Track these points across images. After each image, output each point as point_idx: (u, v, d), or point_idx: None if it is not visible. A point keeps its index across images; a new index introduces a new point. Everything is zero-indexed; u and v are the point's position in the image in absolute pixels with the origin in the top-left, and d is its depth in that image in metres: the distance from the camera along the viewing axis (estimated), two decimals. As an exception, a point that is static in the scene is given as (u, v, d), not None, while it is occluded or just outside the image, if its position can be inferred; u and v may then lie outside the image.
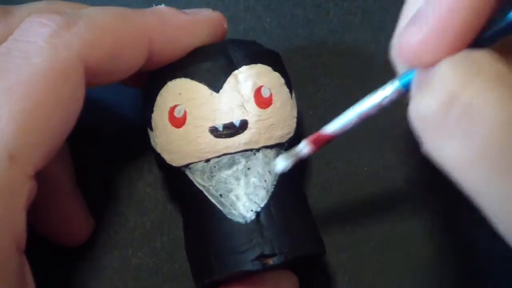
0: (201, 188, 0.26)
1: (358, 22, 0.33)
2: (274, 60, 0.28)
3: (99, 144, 0.32)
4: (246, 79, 0.26)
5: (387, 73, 0.32)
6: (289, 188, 0.27)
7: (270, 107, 0.26)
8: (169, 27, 0.26)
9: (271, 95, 0.27)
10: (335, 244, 0.30)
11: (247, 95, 0.26)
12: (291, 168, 0.26)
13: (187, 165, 0.26)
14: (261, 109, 0.26)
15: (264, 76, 0.27)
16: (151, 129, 0.27)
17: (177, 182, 0.27)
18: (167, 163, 0.27)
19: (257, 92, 0.26)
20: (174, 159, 0.27)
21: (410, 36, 0.19)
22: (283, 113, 0.27)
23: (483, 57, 0.18)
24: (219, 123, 0.26)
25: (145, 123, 0.28)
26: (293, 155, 0.25)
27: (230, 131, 0.26)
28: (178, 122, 0.26)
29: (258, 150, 0.26)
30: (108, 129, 0.32)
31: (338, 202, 0.31)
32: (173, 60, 0.27)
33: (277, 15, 0.33)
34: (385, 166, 0.31)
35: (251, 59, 0.27)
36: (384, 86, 0.22)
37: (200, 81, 0.26)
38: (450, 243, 0.30)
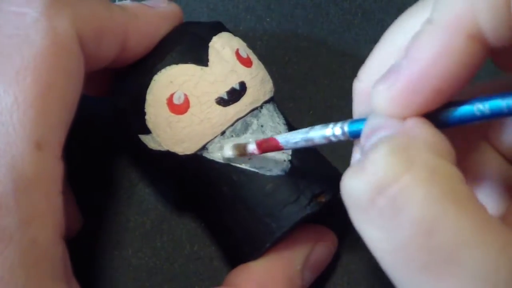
0: (225, 161, 0.26)
1: (358, 22, 0.33)
2: (225, 28, 0.28)
3: (99, 144, 0.32)
4: (223, 46, 0.27)
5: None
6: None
7: (253, 65, 0.27)
8: (142, 23, 0.26)
9: (247, 54, 0.28)
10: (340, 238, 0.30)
11: (231, 59, 0.27)
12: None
13: (203, 147, 0.26)
14: (248, 68, 0.27)
15: (232, 41, 0.28)
16: (147, 132, 0.27)
17: (194, 170, 0.27)
18: (179, 156, 0.27)
19: (237, 55, 0.27)
20: (188, 147, 0.26)
21: (382, 89, 0.19)
22: (262, 69, 0.28)
23: (422, 147, 0.18)
24: (223, 92, 0.26)
25: (131, 137, 0.27)
26: (241, 148, 0.26)
27: (234, 96, 0.26)
28: (181, 108, 0.26)
29: (261, 107, 0.27)
30: (108, 129, 0.32)
31: (338, 202, 0.31)
32: (142, 54, 0.27)
33: (277, 15, 0.33)
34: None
35: (214, 30, 0.27)
36: (335, 125, 0.22)
37: (186, 62, 0.26)
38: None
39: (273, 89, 0.28)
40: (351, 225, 0.19)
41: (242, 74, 0.27)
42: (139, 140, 0.27)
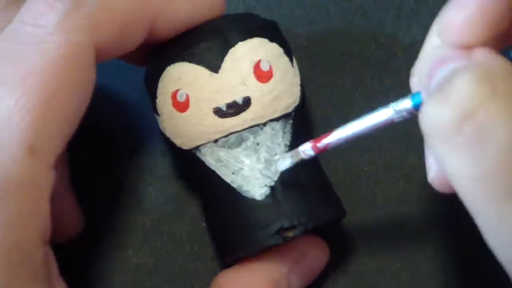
0: (213, 168, 0.26)
1: (358, 22, 0.33)
2: (270, 31, 0.28)
3: (99, 144, 0.32)
4: (244, 55, 0.26)
5: (387, 73, 0.33)
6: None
7: (271, 80, 0.26)
8: (171, 7, 0.26)
9: (270, 67, 0.26)
10: (335, 244, 0.30)
11: (246, 71, 0.26)
12: (303, 132, 0.26)
13: (197, 147, 0.26)
14: (262, 83, 0.26)
15: (261, 49, 0.27)
16: (158, 114, 0.27)
17: (190, 165, 0.27)
18: (177, 147, 0.27)
19: (256, 67, 0.26)
20: (183, 142, 0.27)
21: (452, 16, 0.19)
22: (285, 83, 0.27)
23: (503, 75, 0.18)
24: (222, 103, 0.26)
25: (153, 109, 0.28)
26: (295, 155, 0.25)
27: (234, 110, 0.26)
28: (181, 106, 0.26)
29: (264, 124, 0.26)
30: (108, 129, 0.32)
31: (338, 202, 0.31)
32: (174, 35, 0.27)
33: (277, 15, 0.33)
34: (385, 166, 0.31)
35: (246, 34, 0.27)
36: (396, 103, 0.22)
37: (198, 63, 0.26)
38: (452, 243, 0.30)
39: (294, 105, 0.27)
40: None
41: (251, 88, 0.26)
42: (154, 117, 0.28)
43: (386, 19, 0.33)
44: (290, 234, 0.25)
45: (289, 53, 0.28)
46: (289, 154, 0.25)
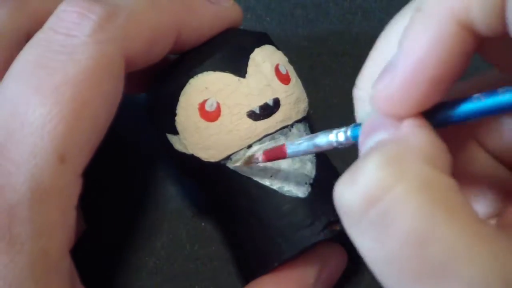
0: (248, 175, 0.26)
1: (358, 22, 0.33)
2: (270, 41, 0.28)
3: (100, 145, 0.32)
4: (263, 60, 0.27)
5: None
6: (323, 155, 0.27)
7: (291, 82, 0.27)
8: (196, 17, 0.26)
9: (287, 71, 0.27)
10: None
11: (269, 74, 0.27)
12: None
13: (228, 157, 0.26)
14: (285, 85, 0.27)
15: (274, 55, 0.27)
16: (175, 133, 0.27)
17: (215, 177, 0.27)
18: (203, 161, 0.27)
19: (277, 70, 0.27)
20: (213, 154, 0.26)
21: (382, 88, 0.19)
22: (299, 87, 0.28)
23: (413, 156, 0.18)
24: (255, 106, 0.26)
25: (159, 134, 0.28)
26: (246, 158, 0.26)
27: (266, 112, 0.26)
28: (212, 115, 0.26)
29: (292, 125, 0.27)
30: (109, 129, 0.32)
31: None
32: (191, 47, 0.27)
33: (277, 15, 0.33)
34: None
35: (258, 42, 0.27)
36: (338, 130, 0.22)
37: (224, 70, 0.26)
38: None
39: (307, 109, 0.28)
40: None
41: (278, 90, 0.26)
42: (166, 139, 0.27)
43: (386, 19, 0.33)
44: (337, 227, 0.25)
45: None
46: (243, 157, 0.26)
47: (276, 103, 0.26)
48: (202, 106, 0.26)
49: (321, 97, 0.32)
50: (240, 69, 0.26)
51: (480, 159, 0.22)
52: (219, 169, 0.27)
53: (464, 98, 0.19)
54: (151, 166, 0.31)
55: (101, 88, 0.22)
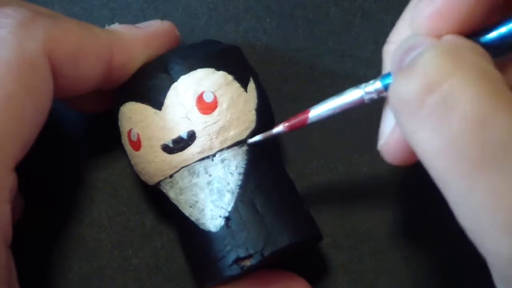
0: (175, 202, 0.27)
1: (358, 22, 0.33)
2: (219, 59, 0.27)
3: (99, 144, 0.32)
4: (186, 89, 0.26)
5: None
6: (260, 180, 0.26)
7: (216, 110, 0.26)
8: (128, 44, 0.26)
9: (215, 98, 0.26)
10: (335, 244, 0.30)
11: (189, 105, 0.26)
12: (261, 156, 0.26)
13: (158, 183, 0.27)
14: (206, 115, 0.26)
15: (205, 80, 0.26)
16: (125, 150, 0.28)
17: (159, 198, 0.28)
18: (144, 182, 0.28)
19: (199, 99, 0.26)
20: (146, 179, 0.28)
21: (424, 5, 0.20)
22: (234, 112, 0.26)
23: (469, 51, 0.19)
24: (169, 139, 0.26)
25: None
26: (267, 134, 0.26)
27: (180, 145, 0.26)
28: (135, 145, 0.27)
29: (214, 155, 0.26)
30: (108, 129, 0.32)
31: (338, 202, 0.31)
32: (132, 72, 0.27)
33: (277, 15, 0.33)
34: (386, 166, 0.31)
35: (190, 67, 0.26)
36: (366, 84, 0.22)
37: (143, 102, 0.26)
38: (452, 243, 0.30)
39: (246, 132, 0.26)
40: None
41: (195, 122, 0.26)
42: None
43: (386, 19, 0.33)
44: (247, 263, 0.25)
45: (243, 78, 0.27)
46: (261, 135, 0.26)
47: (191, 136, 0.26)
48: (128, 135, 0.27)
49: (321, 97, 0.32)
50: (158, 101, 0.26)
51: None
52: (157, 191, 0.28)
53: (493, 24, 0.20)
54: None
55: (25, 82, 0.23)
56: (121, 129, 0.28)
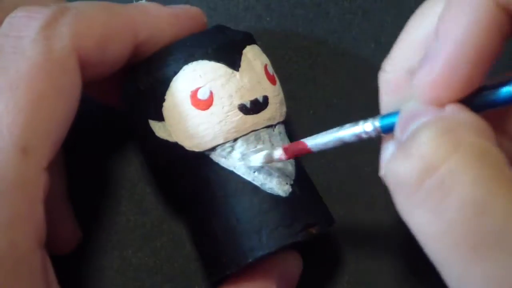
0: (231, 168, 0.26)
1: (358, 22, 0.33)
2: (256, 42, 0.28)
3: (99, 144, 0.32)
4: (254, 57, 0.27)
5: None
6: (300, 162, 0.27)
7: (277, 83, 0.27)
8: (152, 19, 0.26)
9: (273, 72, 0.28)
10: (335, 244, 0.30)
11: (260, 72, 0.27)
12: None
13: (212, 148, 0.26)
14: (273, 85, 0.27)
15: (262, 55, 0.28)
16: (160, 119, 0.26)
17: (196, 169, 0.27)
18: (186, 151, 0.26)
19: (266, 70, 0.27)
20: (198, 144, 0.26)
21: (424, 75, 0.19)
22: (282, 89, 0.28)
23: (467, 129, 0.18)
24: (247, 100, 0.26)
25: (139, 122, 0.27)
26: (268, 156, 0.25)
27: (256, 107, 0.26)
28: (203, 104, 0.26)
29: (275, 125, 0.27)
30: (107, 129, 0.32)
31: (338, 203, 0.31)
32: (156, 48, 0.27)
33: (277, 15, 0.33)
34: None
35: (247, 40, 0.27)
36: (365, 121, 0.22)
37: (218, 61, 0.26)
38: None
39: (285, 114, 0.28)
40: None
41: (267, 89, 0.27)
42: (147, 125, 0.27)
43: (386, 19, 0.33)
44: (313, 231, 0.25)
45: None
46: (263, 154, 0.26)
47: (266, 100, 0.26)
48: (194, 94, 0.26)
49: (321, 97, 0.32)
50: (234, 63, 0.26)
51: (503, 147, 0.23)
52: (201, 159, 0.26)
53: (493, 84, 0.19)
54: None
55: (55, 81, 0.23)
56: (174, 90, 0.26)
